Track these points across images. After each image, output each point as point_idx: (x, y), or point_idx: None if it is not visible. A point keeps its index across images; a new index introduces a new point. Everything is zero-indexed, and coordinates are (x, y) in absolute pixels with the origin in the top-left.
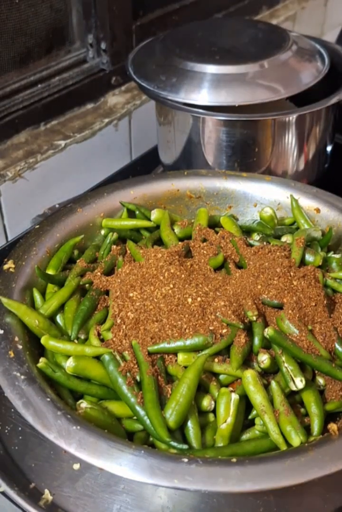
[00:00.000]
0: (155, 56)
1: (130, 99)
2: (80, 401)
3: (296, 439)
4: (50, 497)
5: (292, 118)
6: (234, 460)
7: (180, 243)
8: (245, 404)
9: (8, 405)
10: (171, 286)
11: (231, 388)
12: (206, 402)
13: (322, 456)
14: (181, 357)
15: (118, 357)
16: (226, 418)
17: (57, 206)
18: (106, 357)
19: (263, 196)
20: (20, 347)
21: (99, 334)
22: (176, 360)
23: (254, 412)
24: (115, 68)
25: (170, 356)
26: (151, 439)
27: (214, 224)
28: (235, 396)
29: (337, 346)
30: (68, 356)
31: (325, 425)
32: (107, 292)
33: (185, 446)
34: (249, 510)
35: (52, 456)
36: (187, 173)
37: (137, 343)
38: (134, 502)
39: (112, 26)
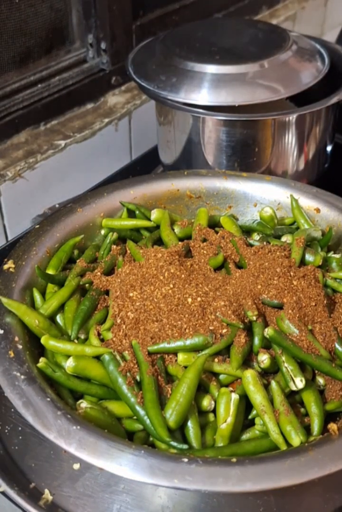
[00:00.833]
0: (155, 56)
1: (130, 99)
2: (80, 401)
3: (296, 439)
4: (50, 497)
5: (292, 118)
6: (234, 460)
7: (180, 243)
8: (245, 404)
9: (8, 405)
10: (171, 286)
11: (231, 388)
12: (206, 402)
13: (322, 456)
14: (181, 357)
15: (118, 357)
16: (226, 418)
17: (57, 206)
18: (106, 357)
19: (263, 196)
20: (20, 347)
21: (99, 334)
22: (176, 360)
23: (254, 412)
24: (115, 68)
25: (170, 356)
26: (151, 439)
27: (214, 224)
28: (235, 396)
29: (337, 346)
30: (68, 356)
31: (325, 425)
32: (107, 292)
33: (185, 446)
34: (249, 510)
35: (52, 456)
36: (187, 173)
37: (137, 343)
38: (134, 502)
39: (112, 26)
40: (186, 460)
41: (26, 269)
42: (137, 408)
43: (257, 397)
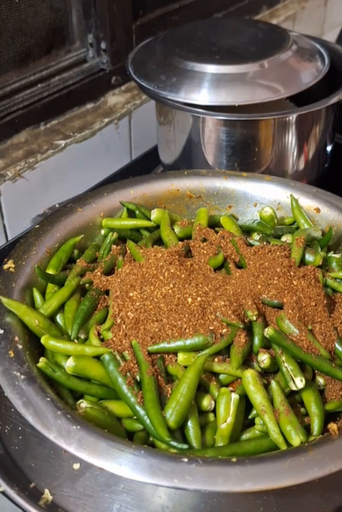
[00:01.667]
0: (155, 56)
1: (130, 99)
2: (80, 401)
3: (296, 439)
4: (50, 497)
5: (292, 118)
6: (234, 460)
7: (180, 243)
8: (245, 404)
9: (8, 405)
10: (171, 286)
11: (231, 388)
12: (206, 402)
13: (322, 456)
14: (181, 357)
15: (118, 357)
16: (226, 418)
17: (57, 206)
18: (106, 357)
19: (263, 196)
20: (20, 347)
21: (99, 334)
22: (176, 360)
23: (254, 412)
24: (115, 68)
25: (170, 356)
26: (151, 439)
27: (214, 224)
28: (235, 396)
29: (337, 346)
30: (68, 356)
31: (325, 425)
32: (107, 292)
33: (185, 446)
34: (249, 510)
35: (52, 456)
36: (187, 173)
37: (137, 343)
38: (134, 502)
39: (112, 26)
40: (186, 460)
41: (26, 269)
42: (137, 408)
43: (257, 397)
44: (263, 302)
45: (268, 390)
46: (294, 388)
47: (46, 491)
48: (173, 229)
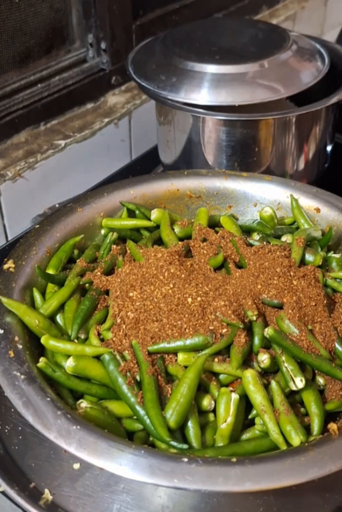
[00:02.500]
0: (155, 56)
1: (130, 98)
2: (80, 400)
3: (296, 439)
4: (50, 497)
5: (292, 118)
6: (234, 460)
7: (180, 243)
8: (245, 404)
9: (8, 405)
10: (171, 285)
11: (231, 388)
12: (206, 402)
13: (322, 456)
14: (181, 357)
15: (118, 357)
16: (226, 418)
17: (57, 206)
18: (106, 357)
19: (263, 196)
20: (20, 347)
21: (99, 334)
22: (176, 360)
23: (254, 412)
24: (115, 68)
25: (170, 356)
26: (151, 439)
27: (214, 224)
28: (235, 396)
29: (337, 346)
30: (68, 356)
31: (325, 424)
32: (107, 292)
33: (185, 446)
34: (249, 510)
35: (52, 456)
36: (187, 173)
37: (137, 343)
38: (134, 501)
39: (112, 25)
40: (186, 460)
41: (26, 269)
42: (137, 408)
43: (257, 397)
44: (263, 302)
45: (268, 390)
46: (294, 388)
47: (46, 491)
48: (173, 229)
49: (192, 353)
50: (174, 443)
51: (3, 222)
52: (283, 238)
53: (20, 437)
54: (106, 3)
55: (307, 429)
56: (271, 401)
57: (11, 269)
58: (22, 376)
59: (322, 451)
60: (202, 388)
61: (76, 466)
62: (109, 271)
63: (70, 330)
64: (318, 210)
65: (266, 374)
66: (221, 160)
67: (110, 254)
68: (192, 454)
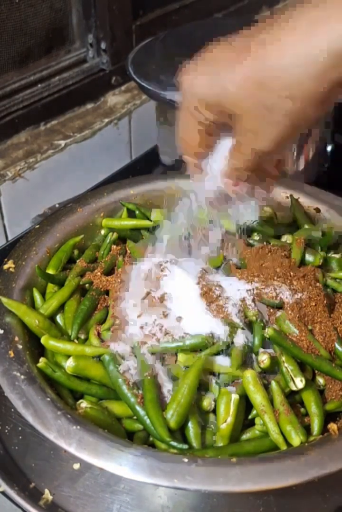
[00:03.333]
0: (155, 56)
1: (130, 99)
2: (80, 401)
3: (296, 439)
4: (50, 497)
5: None
6: (234, 460)
7: None
8: (245, 404)
9: (8, 405)
10: None
11: (231, 388)
12: (206, 402)
13: (322, 456)
14: (181, 357)
15: (118, 357)
16: (226, 418)
17: (57, 206)
18: (106, 357)
19: None
20: (20, 347)
21: (99, 334)
22: (176, 360)
23: (254, 412)
24: (115, 68)
25: (170, 356)
26: (151, 439)
27: None
28: (235, 396)
29: (337, 346)
30: (68, 356)
31: (325, 425)
32: (107, 292)
33: (185, 446)
34: (249, 510)
35: (52, 456)
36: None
37: (137, 343)
38: (134, 502)
39: (112, 25)
40: (186, 460)
41: (26, 269)
42: (137, 408)
43: (257, 397)
44: (263, 302)
45: (268, 390)
46: (294, 388)
47: (46, 491)
48: None
49: (192, 353)
50: (174, 443)
51: (3, 222)
52: (283, 238)
53: (20, 437)
54: (106, 3)
55: (307, 429)
56: (271, 401)
57: (11, 269)
58: (22, 376)
59: (322, 451)
60: (202, 388)
61: (76, 466)
62: (109, 271)
63: (70, 330)
64: (318, 210)
65: (266, 374)
66: None
67: (110, 254)
68: (192, 454)
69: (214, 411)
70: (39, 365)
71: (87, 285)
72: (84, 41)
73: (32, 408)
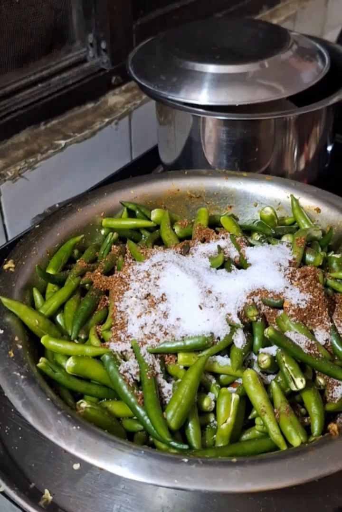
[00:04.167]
0: (155, 56)
1: (130, 98)
2: (80, 401)
3: (296, 439)
4: (50, 497)
5: (292, 118)
6: (234, 460)
7: (180, 242)
8: (245, 404)
9: (8, 405)
10: None
11: (231, 388)
12: (206, 402)
13: (322, 456)
14: (181, 357)
15: (118, 357)
16: (226, 418)
17: (57, 206)
18: (106, 357)
19: (263, 196)
20: (20, 347)
21: (99, 334)
22: (176, 360)
23: (254, 412)
24: (115, 68)
25: (170, 356)
26: (151, 439)
27: (214, 224)
28: (235, 396)
29: (337, 346)
30: (68, 356)
31: (325, 425)
32: (107, 292)
33: (185, 446)
34: (249, 510)
35: (52, 456)
36: (187, 173)
37: (138, 343)
38: (134, 502)
39: (112, 25)
40: (186, 460)
41: (26, 269)
42: (138, 408)
43: (257, 397)
44: (263, 302)
45: (268, 390)
46: (294, 388)
47: (46, 491)
48: (173, 229)
49: (192, 354)
50: (174, 443)
51: (3, 222)
52: (283, 238)
53: (20, 437)
54: (106, 3)
55: (307, 430)
56: (271, 401)
57: (11, 269)
58: (22, 376)
59: (322, 451)
60: (202, 389)
61: (76, 466)
62: (109, 271)
63: (70, 330)
64: (318, 210)
65: (266, 374)
66: (221, 160)
67: (110, 254)
68: (192, 455)
69: (214, 411)
70: (39, 365)
71: (87, 285)
72: (85, 40)
73: (32, 408)
